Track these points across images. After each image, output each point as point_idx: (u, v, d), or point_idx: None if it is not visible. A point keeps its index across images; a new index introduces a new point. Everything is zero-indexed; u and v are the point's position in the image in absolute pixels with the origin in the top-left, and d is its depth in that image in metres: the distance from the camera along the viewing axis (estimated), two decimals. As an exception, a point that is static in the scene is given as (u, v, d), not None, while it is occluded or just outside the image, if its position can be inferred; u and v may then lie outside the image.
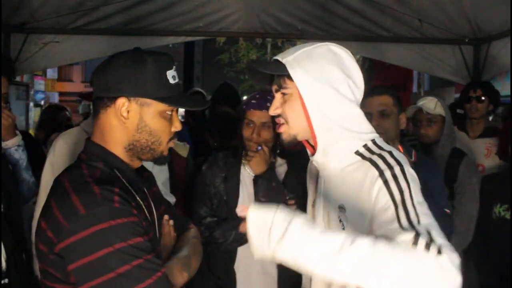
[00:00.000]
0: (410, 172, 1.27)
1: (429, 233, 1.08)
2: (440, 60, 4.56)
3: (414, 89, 14.08)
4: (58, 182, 1.28)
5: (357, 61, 1.47)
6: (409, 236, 1.06)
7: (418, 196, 1.22)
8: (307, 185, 1.65)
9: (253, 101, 2.31)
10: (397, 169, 1.25)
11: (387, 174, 1.25)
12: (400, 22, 4.31)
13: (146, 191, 1.42)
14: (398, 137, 2.35)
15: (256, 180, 2.28)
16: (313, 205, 1.53)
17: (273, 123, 2.30)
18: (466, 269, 3.07)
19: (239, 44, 22.19)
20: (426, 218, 1.16)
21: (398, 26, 4.39)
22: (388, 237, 1.10)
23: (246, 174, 2.36)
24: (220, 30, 4.70)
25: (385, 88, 2.47)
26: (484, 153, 3.41)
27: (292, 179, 2.41)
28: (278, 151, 2.36)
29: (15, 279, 1.97)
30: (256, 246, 1.12)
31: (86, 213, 1.15)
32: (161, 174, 2.64)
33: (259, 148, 2.27)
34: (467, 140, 3.39)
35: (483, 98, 3.40)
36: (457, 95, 4.33)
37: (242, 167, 2.38)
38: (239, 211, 1.18)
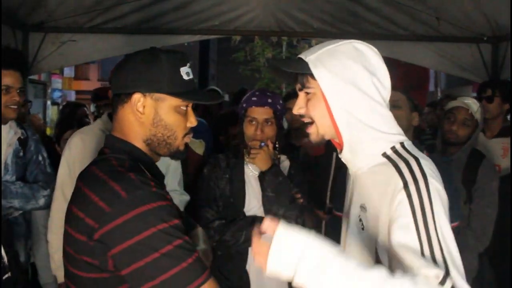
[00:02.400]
0: (435, 185, 1.23)
1: (449, 270, 1.12)
2: (458, 58, 4.51)
3: (431, 88, 13.94)
4: (87, 173, 1.31)
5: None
6: (434, 272, 1.09)
7: (441, 217, 1.20)
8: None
9: (253, 98, 2.30)
10: (421, 184, 1.22)
11: (412, 188, 1.22)
12: (417, 20, 4.27)
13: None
14: (411, 133, 2.35)
15: (262, 176, 2.27)
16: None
17: (275, 119, 2.30)
18: (484, 269, 3.05)
19: (255, 42, 22.18)
20: (448, 249, 1.17)
21: (415, 25, 4.35)
22: (407, 263, 1.15)
23: (250, 173, 2.35)
24: (235, 29, 4.71)
25: (399, 88, 2.49)
26: (501, 153, 3.35)
27: (297, 174, 2.41)
28: (277, 146, 2.35)
29: (17, 272, 2.01)
30: (273, 262, 1.10)
31: (128, 197, 1.18)
32: (176, 172, 2.65)
33: (262, 144, 2.26)
34: (483, 140, 3.35)
35: (493, 98, 3.33)
36: (475, 94, 4.28)
37: (245, 166, 2.37)
38: (264, 226, 1.15)
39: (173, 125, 1.35)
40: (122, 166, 1.27)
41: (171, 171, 2.57)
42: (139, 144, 1.36)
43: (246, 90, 4.54)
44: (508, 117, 3.54)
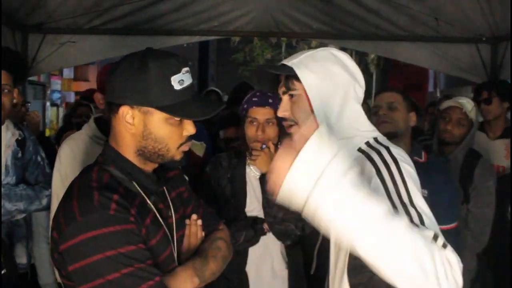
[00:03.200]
0: (407, 169, 1.30)
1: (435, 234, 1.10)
2: (457, 59, 4.52)
3: (430, 88, 13.97)
4: (71, 185, 1.32)
5: (372, 60, 1.50)
6: (430, 233, 1.09)
7: (416, 195, 1.25)
8: None
9: (254, 99, 2.28)
10: (393, 168, 1.29)
11: (384, 172, 1.28)
12: (416, 21, 4.28)
13: (166, 192, 1.42)
14: (409, 133, 2.36)
15: (263, 179, 2.26)
16: None
17: (277, 119, 2.29)
18: (482, 269, 3.05)
19: (254, 43, 22.23)
20: (427, 218, 1.19)
21: (414, 25, 4.36)
22: None
23: (252, 174, 2.34)
24: (235, 30, 4.71)
25: (395, 88, 2.51)
26: (504, 154, 3.33)
27: None
28: (279, 147, 2.34)
29: (11, 269, 2.02)
30: (296, 173, 1.02)
31: (81, 220, 1.18)
32: None
33: (264, 146, 2.24)
34: (486, 141, 3.33)
35: (491, 98, 3.30)
36: (474, 95, 4.29)
37: (247, 167, 2.36)
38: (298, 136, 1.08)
39: (165, 138, 1.29)
40: (98, 181, 1.26)
41: None
42: (131, 154, 1.32)
43: (246, 84, 4.43)
44: (509, 116, 3.52)
